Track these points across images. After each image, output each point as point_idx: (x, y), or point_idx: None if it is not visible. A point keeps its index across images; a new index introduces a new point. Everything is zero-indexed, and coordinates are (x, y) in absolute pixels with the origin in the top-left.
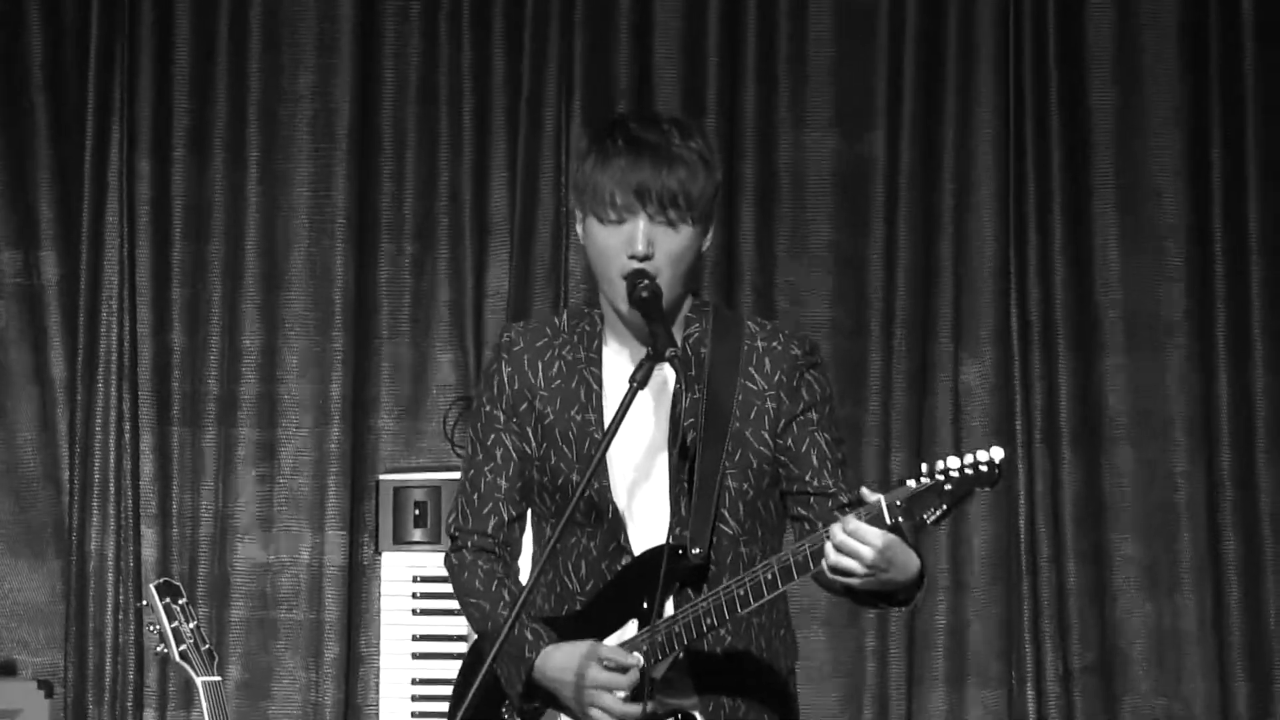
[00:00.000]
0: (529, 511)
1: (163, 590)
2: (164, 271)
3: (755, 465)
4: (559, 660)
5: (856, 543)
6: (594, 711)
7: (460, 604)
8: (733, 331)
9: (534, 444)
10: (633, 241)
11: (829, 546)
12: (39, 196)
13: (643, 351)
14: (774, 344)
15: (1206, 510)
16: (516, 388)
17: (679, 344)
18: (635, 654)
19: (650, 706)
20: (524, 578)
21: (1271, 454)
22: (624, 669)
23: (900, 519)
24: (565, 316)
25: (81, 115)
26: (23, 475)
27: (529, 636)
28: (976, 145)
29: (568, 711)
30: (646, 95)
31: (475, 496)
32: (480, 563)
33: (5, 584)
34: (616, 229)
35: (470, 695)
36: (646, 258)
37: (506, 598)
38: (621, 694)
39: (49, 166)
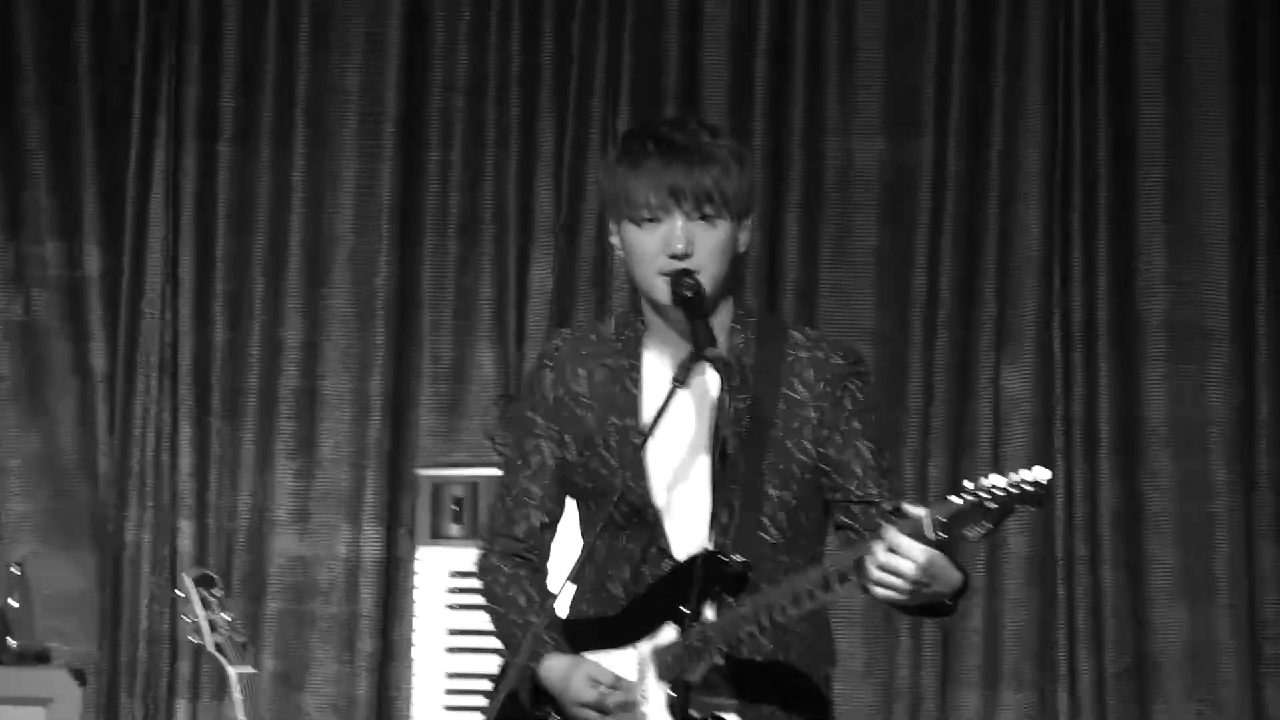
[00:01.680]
0: (561, 518)
1: (199, 581)
2: (207, 265)
3: (797, 474)
4: (556, 670)
5: (900, 560)
6: None
7: (484, 606)
8: (776, 340)
9: (575, 450)
10: (671, 240)
11: (872, 565)
12: (84, 188)
13: (683, 356)
14: (817, 353)
15: (1244, 519)
16: (559, 394)
17: (721, 346)
18: (629, 681)
19: (689, 710)
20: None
21: None
22: (610, 687)
23: (943, 534)
24: (611, 323)
25: (128, 108)
26: (61, 466)
27: (535, 647)
28: (1023, 152)
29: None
30: (694, 96)
31: (509, 500)
32: (504, 566)
33: (43, 574)
34: (653, 229)
35: (497, 705)
36: (686, 255)
37: (522, 602)
38: (611, 715)
39: (94, 159)
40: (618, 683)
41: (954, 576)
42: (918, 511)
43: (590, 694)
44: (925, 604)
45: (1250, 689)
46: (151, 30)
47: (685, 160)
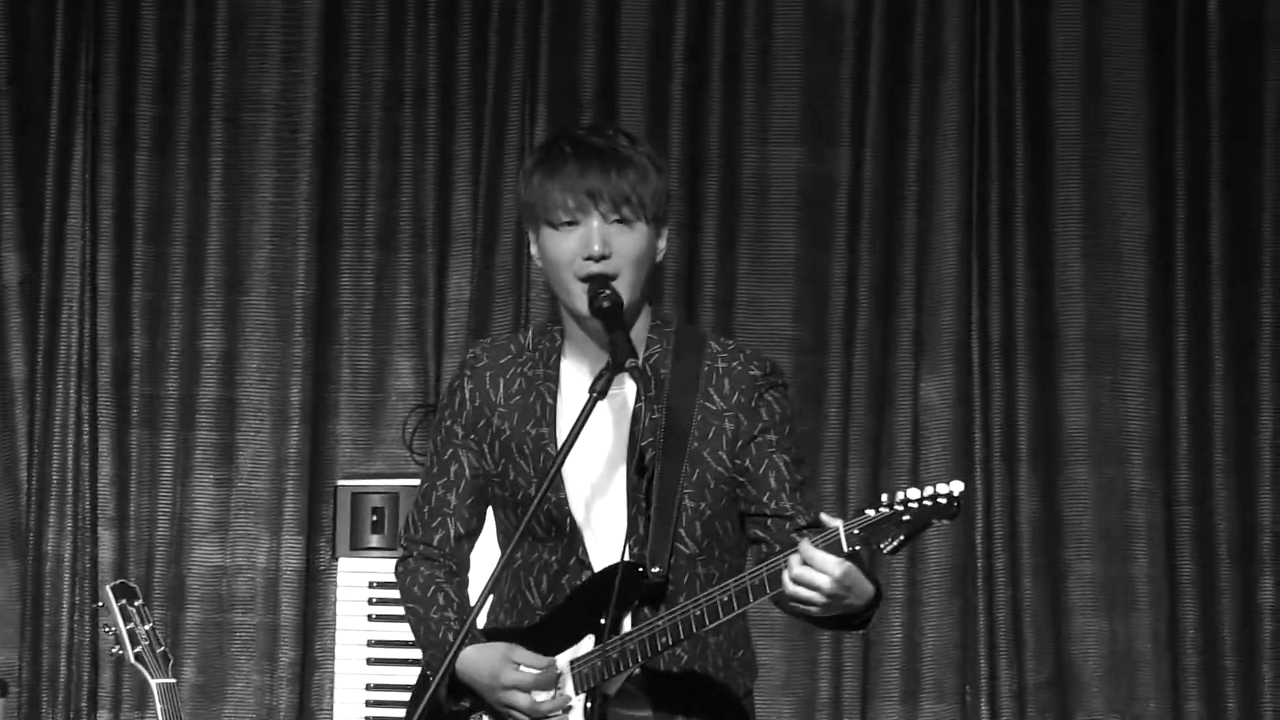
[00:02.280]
0: (481, 529)
1: (119, 591)
2: (125, 273)
3: (713, 485)
4: (477, 661)
5: (814, 573)
6: (509, 711)
7: (404, 608)
8: (694, 351)
9: (492, 460)
10: (589, 242)
11: (787, 578)
12: (1, 197)
13: (601, 366)
14: (734, 364)
15: (1164, 530)
16: (477, 404)
17: (639, 357)
18: (550, 657)
19: None
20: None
21: (1229, 475)
22: (535, 668)
23: (858, 548)
24: (530, 334)
25: (45, 116)
26: None
27: (451, 639)
28: (940, 162)
29: (490, 711)
30: (611, 105)
31: (426, 510)
32: (422, 569)
33: None
34: (570, 232)
35: (421, 707)
36: (604, 257)
37: (440, 601)
38: (540, 696)
39: (12, 167)
40: (542, 662)
41: (868, 589)
42: (833, 524)
43: (516, 675)
44: (839, 616)
45: (1170, 700)
46: (68, 38)
47: (602, 164)
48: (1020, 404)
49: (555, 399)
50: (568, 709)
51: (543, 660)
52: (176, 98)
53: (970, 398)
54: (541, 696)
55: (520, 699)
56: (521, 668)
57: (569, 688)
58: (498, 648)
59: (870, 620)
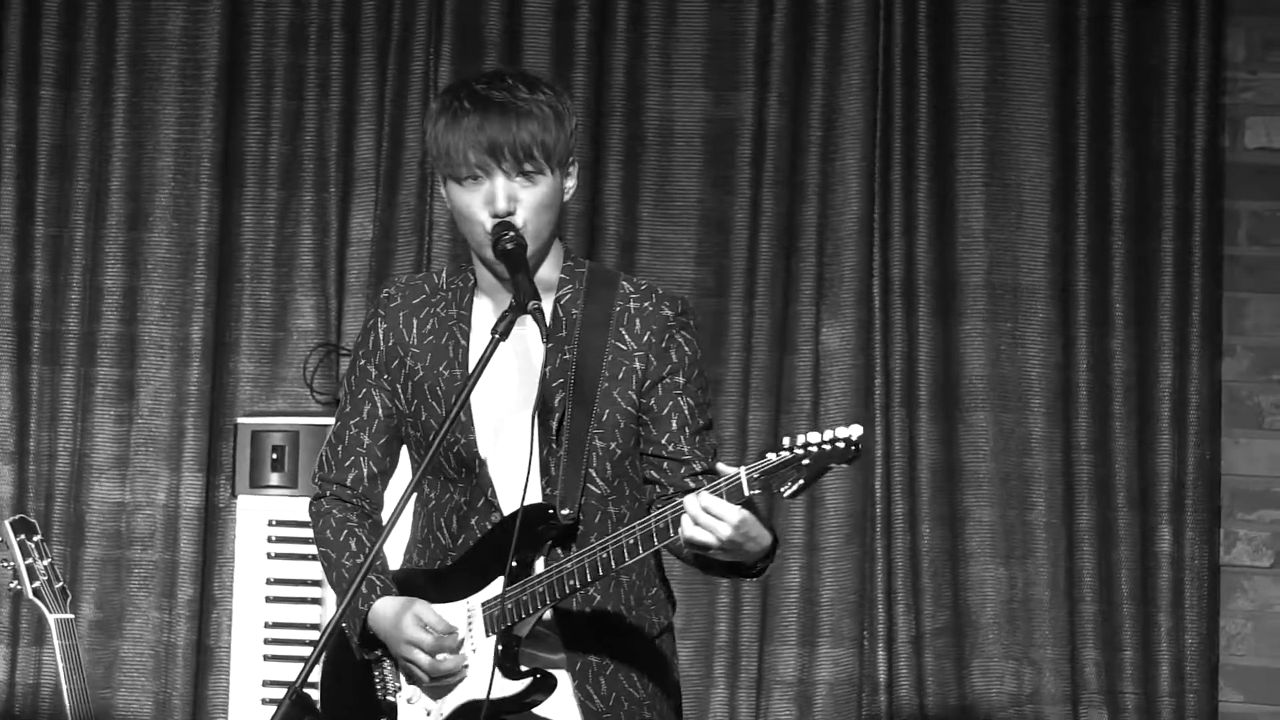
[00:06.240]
0: (394, 469)
1: (17, 526)
2: (28, 209)
3: (623, 425)
4: (384, 613)
5: (712, 519)
6: (414, 669)
7: (316, 551)
8: (606, 291)
9: (405, 400)
10: (492, 200)
11: (686, 519)
12: None
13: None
14: (646, 304)
15: (1063, 477)
16: (390, 344)
17: (548, 298)
18: (459, 628)
19: (518, 663)
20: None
21: (1127, 423)
22: (436, 630)
23: (758, 491)
24: (444, 273)
25: None
26: None
27: (364, 590)
28: (844, 108)
29: (396, 662)
30: (515, 45)
31: (339, 449)
32: (335, 511)
33: None
34: (475, 188)
35: (314, 653)
36: (509, 214)
37: (353, 546)
38: (440, 657)
39: None
40: (444, 626)
41: (765, 536)
42: (730, 471)
43: (419, 634)
44: (734, 565)
45: (1068, 648)
46: None
47: (502, 117)
48: (921, 350)
49: (468, 340)
50: (463, 668)
51: (444, 624)
52: (81, 34)
53: (871, 344)
54: (442, 656)
55: (421, 657)
56: (426, 627)
57: (480, 629)
58: (407, 604)
59: (765, 570)
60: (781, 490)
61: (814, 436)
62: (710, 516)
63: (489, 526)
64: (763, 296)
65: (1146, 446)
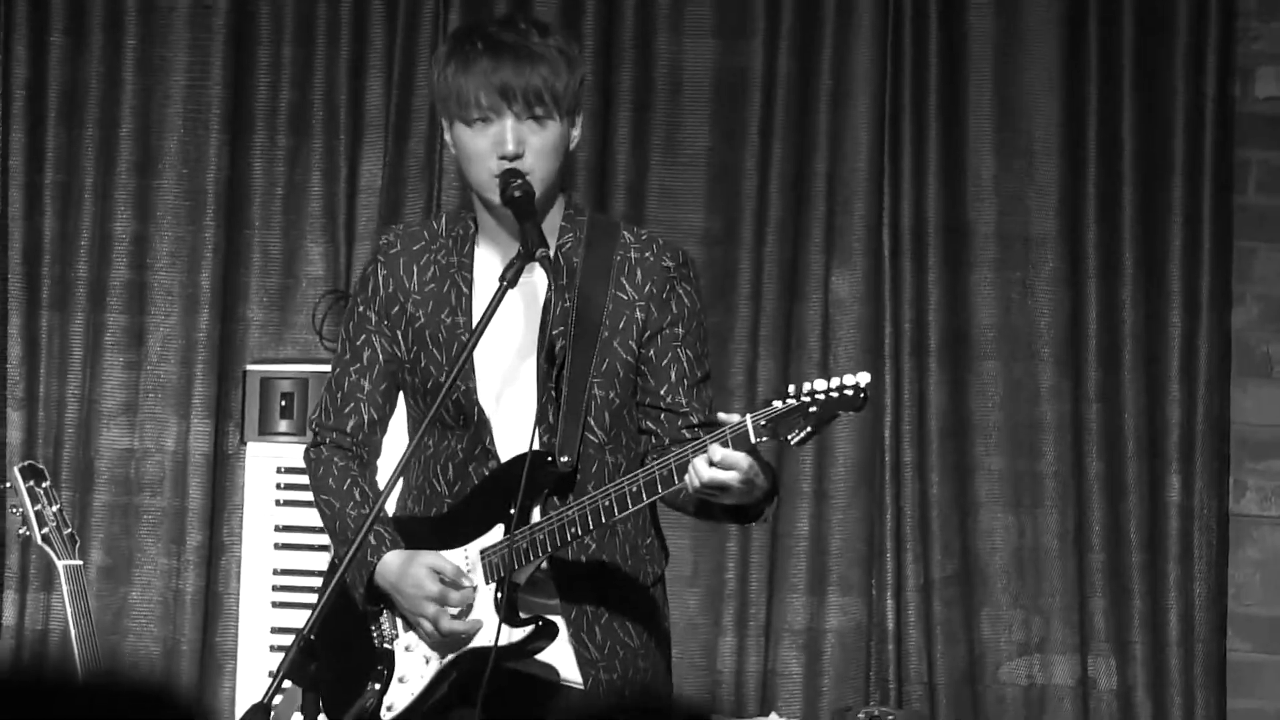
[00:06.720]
0: (392, 415)
1: (26, 473)
2: (37, 155)
3: (622, 375)
4: (396, 566)
5: (721, 470)
6: (422, 622)
7: (314, 499)
8: (607, 240)
9: (404, 348)
10: (502, 142)
11: (698, 470)
12: None
13: (514, 254)
14: (647, 254)
15: (1072, 426)
16: (390, 290)
17: (551, 247)
18: (470, 578)
19: (516, 610)
20: (386, 479)
21: (1136, 373)
22: (456, 586)
23: (764, 438)
24: (444, 220)
25: None
26: None
27: (372, 541)
28: (854, 56)
29: (403, 617)
30: None
31: (339, 395)
32: (336, 459)
33: None
34: (484, 130)
35: (322, 601)
36: (517, 156)
37: (357, 497)
38: (451, 610)
39: None
40: (459, 575)
41: (767, 483)
42: (732, 419)
43: (433, 586)
44: (736, 508)
45: (1076, 597)
46: None
47: (514, 60)
48: (930, 299)
49: (470, 288)
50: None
51: (465, 579)
52: None
53: (880, 292)
54: (454, 611)
55: (433, 610)
56: (442, 580)
57: (479, 577)
58: (418, 556)
59: (765, 514)
60: (789, 438)
61: (821, 384)
62: (719, 468)
63: (486, 474)
64: (772, 245)
65: (1156, 396)
